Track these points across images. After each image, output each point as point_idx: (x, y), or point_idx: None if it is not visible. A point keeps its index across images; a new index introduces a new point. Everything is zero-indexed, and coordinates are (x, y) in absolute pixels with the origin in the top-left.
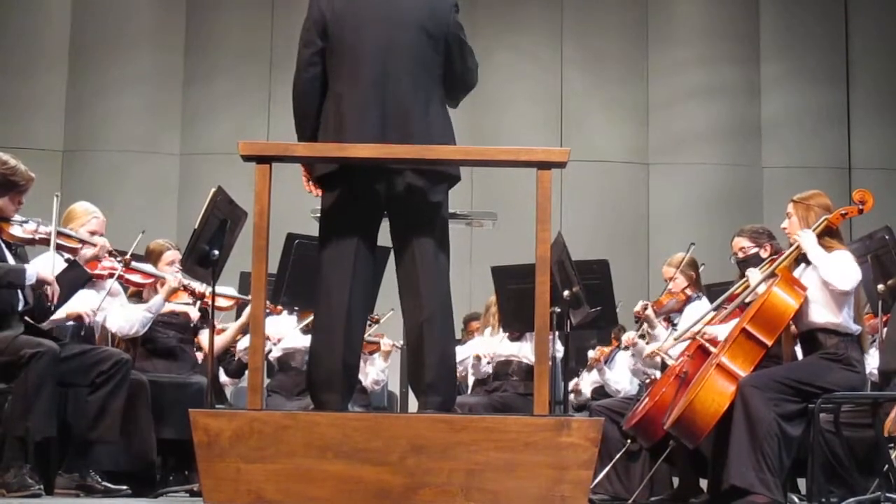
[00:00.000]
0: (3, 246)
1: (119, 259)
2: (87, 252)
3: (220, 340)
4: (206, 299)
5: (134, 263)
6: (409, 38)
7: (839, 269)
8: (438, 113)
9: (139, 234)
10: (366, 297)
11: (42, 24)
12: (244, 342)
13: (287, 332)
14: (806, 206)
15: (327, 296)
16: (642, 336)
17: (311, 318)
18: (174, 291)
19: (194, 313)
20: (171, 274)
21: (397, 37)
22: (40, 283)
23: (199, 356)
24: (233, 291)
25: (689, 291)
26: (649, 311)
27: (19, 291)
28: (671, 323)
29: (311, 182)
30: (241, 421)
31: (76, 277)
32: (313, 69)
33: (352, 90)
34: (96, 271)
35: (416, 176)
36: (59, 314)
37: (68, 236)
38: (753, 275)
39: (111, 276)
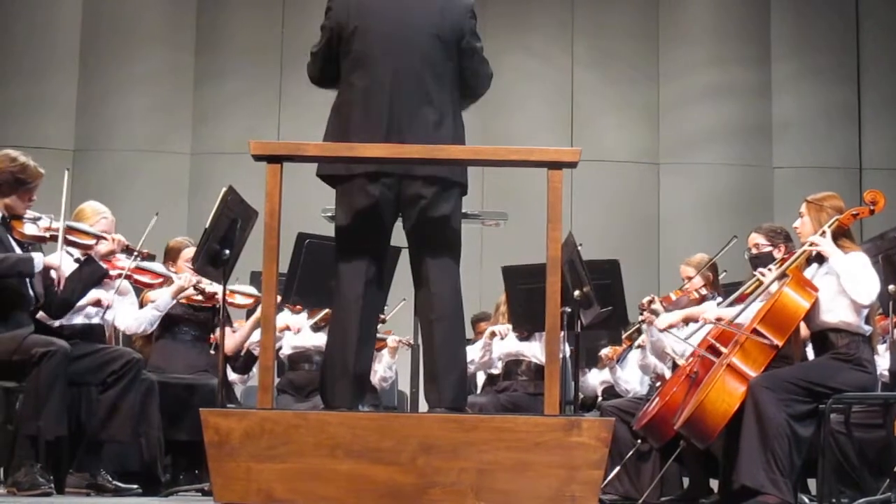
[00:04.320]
0: (15, 244)
1: (136, 253)
2: (103, 248)
3: (236, 338)
4: (216, 298)
5: (143, 263)
6: (420, 43)
7: (861, 282)
8: (449, 119)
9: (151, 230)
10: (377, 298)
11: (53, 24)
12: (257, 335)
13: (303, 324)
14: (819, 206)
15: (341, 298)
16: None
17: (320, 315)
18: (182, 290)
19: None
20: (182, 274)
21: (408, 41)
22: (46, 269)
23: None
24: (254, 290)
25: (704, 291)
26: (656, 305)
27: (30, 290)
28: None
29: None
30: (252, 420)
31: (93, 273)
32: (327, 72)
33: (360, 94)
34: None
35: (427, 182)
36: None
37: (83, 232)
38: (767, 273)
39: (119, 275)
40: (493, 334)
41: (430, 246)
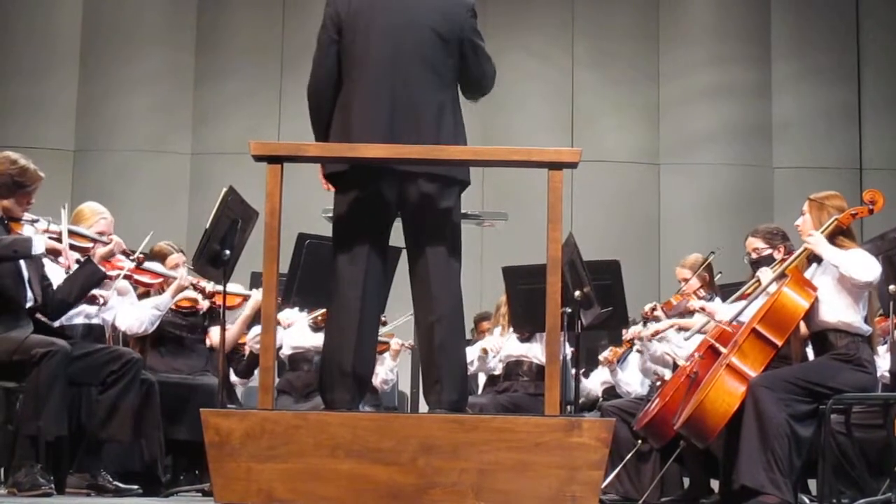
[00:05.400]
0: None
1: (132, 258)
2: (101, 250)
3: (229, 335)
4: (215, 297)
5: (145, 263)
6: (420, 41)
7: (859, 262)
8: (450, 116)
9: (149, 234)
10: (378, 298)
11: (53, 24)
12: (254, 331)
13: (296, 318)
14: (820, 205)
15: (340, 296)
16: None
17: (320, 312)
18: (182, 289)
19: (203, 302)
20: (180, 273)
21: (408, 39)
22: (50, 252)
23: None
24: (240, 288)
25: (701, 292)
26: (658, 313)
27: (28, 290)
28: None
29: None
30: (252, 421)
31: (91, 275)
32: (328, 69)
33: (361, 92)
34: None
35: (427, 179)
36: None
37: (80, 235)
38: (765, 274)
39: (118, 275)
40: (485, 351)
41: (430, 243)
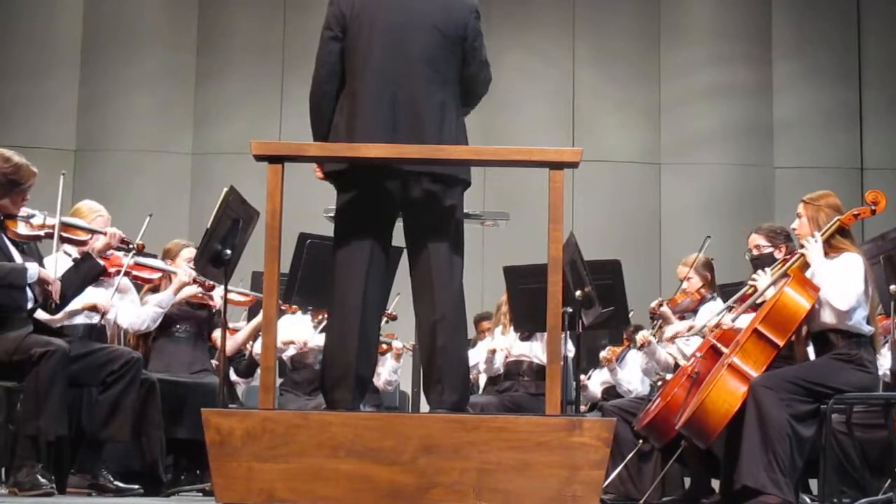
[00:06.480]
0: (10, 244)
1: (132, 246)
2: (99, 243)
3: (234, 341)
4: (215, 290)
5: (141, 259)
6: (423, 39)
7: (839, 287)
8: (451, 116)
9: (152, 230)
10: (379, 297)
11: (54, 24)
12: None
13: (311, 336)
14: (815, 206)
15: (341, 296)
16: (655, 333)
17: (324, 316)
18: (184, 285)
19: (217, 299)
20: (181, 269)
21: (411, 37)
22: (42, 281)
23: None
24: (243, 289)
25: (703, 291)
26: (665, 308)
27: (28, 290)
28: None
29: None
30: (253, 420)
31: (90, 269)
32: (331, 66)
33: (365, 90)
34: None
35: (430, 179)
36: (75, 304)
37: (78, 227)
38: (761, 278)
39: (118, 272)
40: (493, 351)
41: (432, 242)
